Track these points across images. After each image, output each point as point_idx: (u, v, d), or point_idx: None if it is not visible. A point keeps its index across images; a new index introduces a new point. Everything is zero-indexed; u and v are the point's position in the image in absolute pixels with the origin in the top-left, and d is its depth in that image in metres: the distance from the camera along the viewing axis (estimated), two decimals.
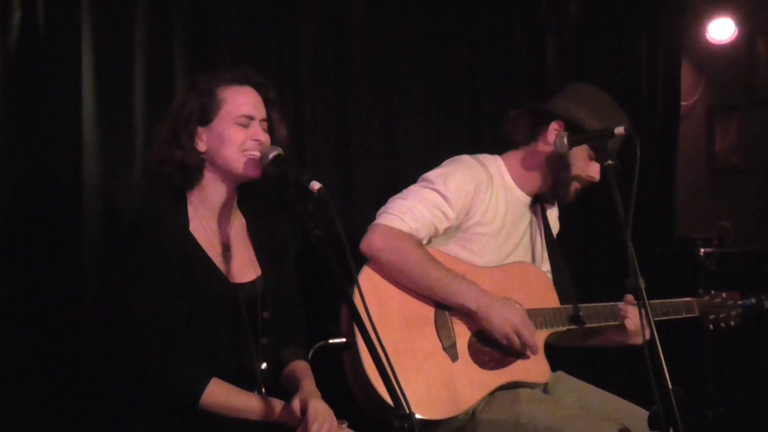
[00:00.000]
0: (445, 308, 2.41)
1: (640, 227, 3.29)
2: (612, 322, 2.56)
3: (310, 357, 2.24)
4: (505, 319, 2.36)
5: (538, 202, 2.67)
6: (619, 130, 2.27)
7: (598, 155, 2.47)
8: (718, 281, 3.73)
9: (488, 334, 2.39)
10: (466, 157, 2.56)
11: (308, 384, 2.13)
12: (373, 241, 2.36)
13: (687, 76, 4.46)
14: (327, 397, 2.08)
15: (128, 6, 2.87)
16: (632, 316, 2.50)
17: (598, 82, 3.83)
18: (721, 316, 2.84)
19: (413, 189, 2.47)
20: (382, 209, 2.43)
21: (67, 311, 2.72)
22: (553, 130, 2.53)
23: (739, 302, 2.85)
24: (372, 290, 2.33)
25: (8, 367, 2.63)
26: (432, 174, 2.50)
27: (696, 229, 4.36)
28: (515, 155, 2.62)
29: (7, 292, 2.65)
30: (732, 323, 2.85)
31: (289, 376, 2.22)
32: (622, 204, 2.15)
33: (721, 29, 4.57)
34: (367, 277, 2.35)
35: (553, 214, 2.77)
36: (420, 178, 2.52)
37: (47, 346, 2.68)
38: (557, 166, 2.53)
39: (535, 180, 2.59)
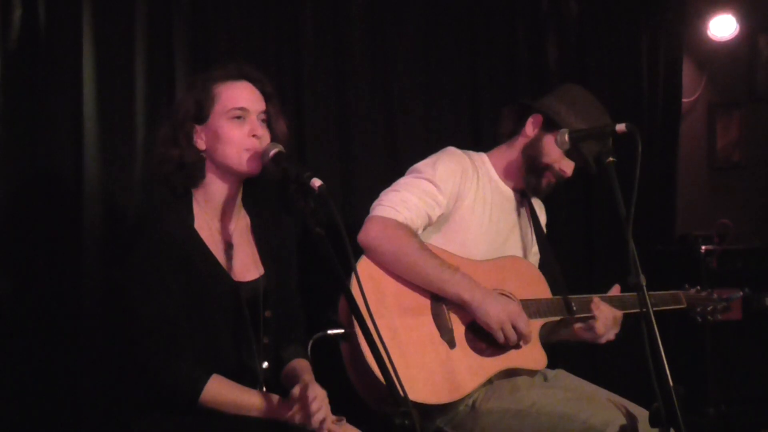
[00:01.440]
0: (441, 300, 2.42)
1: (640, 224, 3.30)
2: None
3: (309, 348, 2.23)
4: (501, 309, 2.38)
5: (524, 198, 2.72)
6: (621, 127, 2.28)
7: (572, 153, 2.53)
8: (719, 279, 3.74)
9: (483, 326, 2.40)
10: (451, 148, 2.63)
11: (308, 379, 2.13)
12: (369, 232, 2.39)
13: (688, 73, 4.45)
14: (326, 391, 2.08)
15: (128, 5, 2.87)
16: (603, 314, 2.52)
17: (598, 79, 3.90)
18: (708, 308, 2.89)
19: (403, 181, 2.53)
20: (376, 202, 2.48)
21: (67, 310, 2.72)
22: (530, 123, 2.61)
23: (725, 296, 2.89)
24: (369, 281, 2.34)
25: (8, 367, 2.63)
26: (420, 164, 2.56)
27: (697, 226, 4.36)
28: (499, 150, 2.70)
29: (7, 292, 2.65)
30: (719, 316, 2.88)
31: (289, 374, 2.22)
32: (623, 201, 2.15)
33: (723, 26, 4.56)
34: (364, 269, 2.37)
35: (541, 217, 2.80)
36: (409, 170, 2.58)
37: (47, 345, 2.68)
38: (530, 153, 2.60)
39: (517, 172, 2.65)
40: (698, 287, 2.91)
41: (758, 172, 4.85)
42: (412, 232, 2.41)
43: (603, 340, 2.56)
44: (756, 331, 3.99)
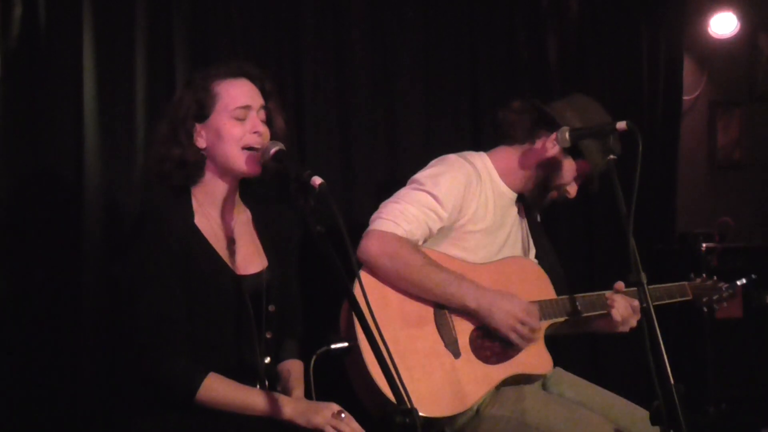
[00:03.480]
0: (444, 307, 2.41)
1: (641, 222, 3.29)
2: (604, 311, 2.58)
3: (312, 364, 2.17)
4: (508, 312, 2.38)
5: (521, 201, 2.70)
6: (621, 125, 2.28)
7: (582, 178, 2.55)
8: (719, 277, 3.73)
9: (493, 330, 2.40)
10: (453, 156, 2.56)
11: (296, 391, 2.15)
12: (370, 248, 2.35)
13: (689, 72, 4.45)
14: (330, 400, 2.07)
15: (128, 5, 2.87)
16: (619, 306, 2.52)
17: (599, 78, 3.90)
18: (714, 298, 2.90)
19: (404, 192, 2.47)
20: (375, 215, 2.42)
21: (67, 310, 2.72)
22: (554, 140, 2.51)
23: (729, 283, 2.90)
24: (369, 293, 2.30)
25: (8, 366, 2.63)
26: (421, 175, 2.50)
27: (697, 224, 4.36)
28: (506, 152, 2.62)
29: (7, 290, 2.65)
30: (725, 304, 2.89)
31: (280, 375, 2.24)
32: (624, 199, 2.15)
33: (723, 24, 4.56)
34: (363, 282, 2.33)
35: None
36: (409, 180, 2.52)
37: (47, 343, 2.68)
38: (548, 170, 2.55)
39: (523, 179, 2.60)
40: (704, 275, 2.91)
41: (758, 171, 4.85)
42: (412, 247, 2.37)
43: (626, 329, 2.56)
44: (756, 329, 3.99)
